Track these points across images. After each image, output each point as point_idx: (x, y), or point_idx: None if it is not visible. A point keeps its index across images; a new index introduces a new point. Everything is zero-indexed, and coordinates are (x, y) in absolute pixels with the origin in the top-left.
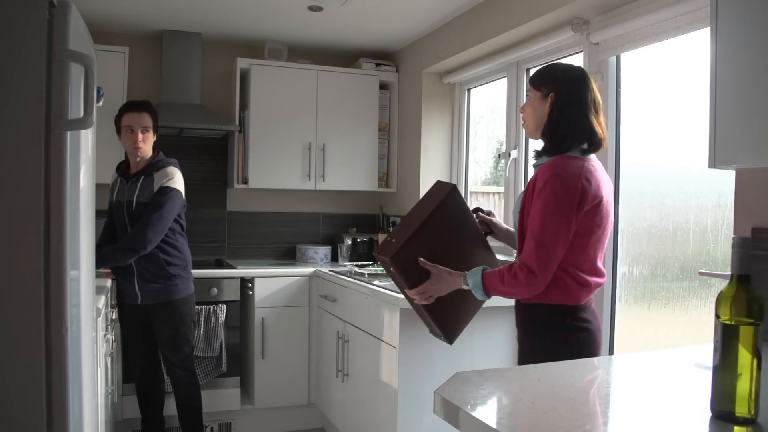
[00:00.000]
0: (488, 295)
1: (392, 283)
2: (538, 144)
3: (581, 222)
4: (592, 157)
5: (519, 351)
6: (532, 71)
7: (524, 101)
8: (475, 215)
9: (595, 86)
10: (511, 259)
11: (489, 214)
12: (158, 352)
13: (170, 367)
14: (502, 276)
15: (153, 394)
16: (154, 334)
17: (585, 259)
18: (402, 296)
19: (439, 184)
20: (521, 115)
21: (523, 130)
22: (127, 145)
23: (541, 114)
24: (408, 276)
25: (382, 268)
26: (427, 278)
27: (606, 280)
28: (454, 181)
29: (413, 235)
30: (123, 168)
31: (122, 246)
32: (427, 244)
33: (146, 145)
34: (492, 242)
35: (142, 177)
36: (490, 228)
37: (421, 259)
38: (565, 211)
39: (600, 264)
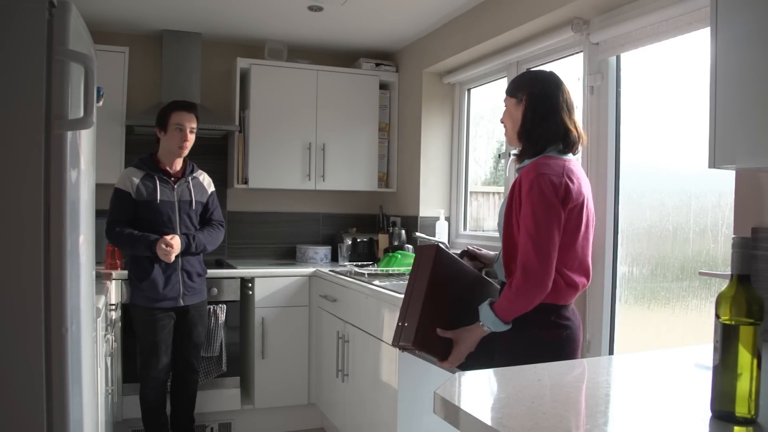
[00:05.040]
0: (508, 322)
1: (392, 283)
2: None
3: (566, 220)
4: (572, 157)
5: (499, 344)
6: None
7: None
8: (463, 258)
9: (567, 89)
10: None
11: (475, 252)
12: (171, 355)
13: (188, 367)
14: (508, 297)
15: (164, 399)
16: (174, 337)
17: (574, 257)
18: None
19: (422, 249)
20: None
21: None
22: (173, 143)
23: (516, 119)
24: (435, 350)
25: (382, 268)
26: (450, 342)
27: (590, 283)
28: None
29: (422, 312)
30: (152, 167)
31: (212, 243)
32: (437, 312)
33: (190, 146)
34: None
35: (190, 178)
36: (483, 262)
37: (439, 330)
38: (555, 207)
39: (589, 262)
